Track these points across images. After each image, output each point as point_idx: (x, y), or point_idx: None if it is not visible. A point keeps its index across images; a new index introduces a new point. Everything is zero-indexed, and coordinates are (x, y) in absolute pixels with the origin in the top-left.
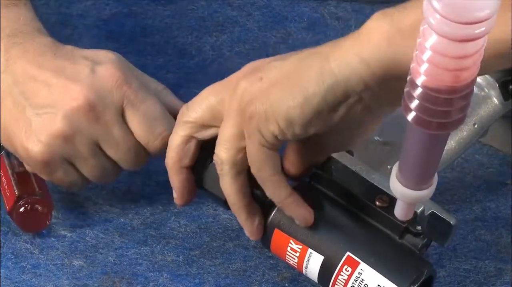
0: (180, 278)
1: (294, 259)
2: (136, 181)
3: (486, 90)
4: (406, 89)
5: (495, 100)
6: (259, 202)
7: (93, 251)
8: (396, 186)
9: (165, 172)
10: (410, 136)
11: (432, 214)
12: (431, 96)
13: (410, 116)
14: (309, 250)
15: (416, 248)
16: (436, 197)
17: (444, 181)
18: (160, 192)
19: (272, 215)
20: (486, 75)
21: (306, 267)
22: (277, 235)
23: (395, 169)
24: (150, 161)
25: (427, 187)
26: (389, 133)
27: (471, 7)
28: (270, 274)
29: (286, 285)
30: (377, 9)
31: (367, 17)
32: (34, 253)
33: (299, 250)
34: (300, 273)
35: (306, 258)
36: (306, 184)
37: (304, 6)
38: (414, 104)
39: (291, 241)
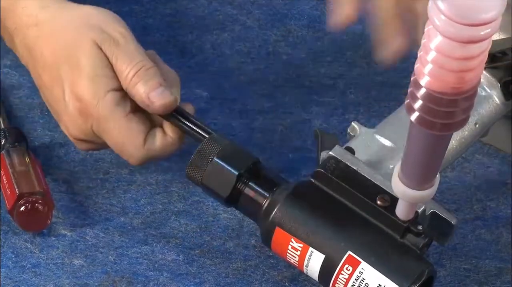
0: (180, 278)
1: (295, 257)
2: (136, 181)
3: (488, 90)
4: (410, 89)
5: (497, 100)
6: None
7: (93, 250)
8: (397, 186)
9: (165, 171)
10: (413, 136)
11: (433, 213)
12: (435, 97)
13: (414, 116)
14: (310, 249)
15: (417, 248)
16: (436, 197)
17: (445, 180)
18: (160, 191)
19: (273, 213)
20: (487, 75)
21: (306, 266)
22: (278, 234)
23: (397, 168)
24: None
25: (429, 187)
26: (391, 132)
27: (477, 9)
28: (270, 273)
29: (287, 284)
30: None
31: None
32: (34, 252)
33: (300, 249)
34: (301, 272)
35: (307, 257)
36: (307, 183)
37: (304, 4)
38: (418, 104)
39: (292, 239)
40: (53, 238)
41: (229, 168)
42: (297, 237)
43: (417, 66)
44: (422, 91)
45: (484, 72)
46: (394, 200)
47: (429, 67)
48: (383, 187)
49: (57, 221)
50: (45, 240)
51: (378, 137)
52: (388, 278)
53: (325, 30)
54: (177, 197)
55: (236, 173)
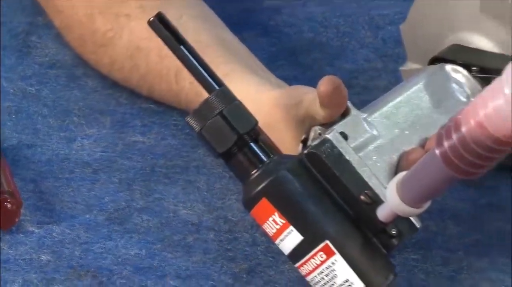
0: (143, 271)
1: (272, 229)
2: (100, 179)
3: (471, 94)
4: (449, 124)
5: None
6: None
7: (59, 246)
8: (393, 197)
9: (127, 170)
10: (430, 165)
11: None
12: (470, 146)
13: (439, 151)
14: (291, 227)
15: (387, 250)
16: None
17: None
18: (123, 189)
19: (264, 183)
20: (475, 82)
21: (281, 240)
22: (263, 204)
23: (396, 180)
24: (113, 159)
25: (421, 207)
26: (379, 121)
27: None
28: (229, 266)
29: (244, 275)
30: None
31: (319, 24)
32: (3, 249)
33: (280, 224)
34: (257, 264)
35: (284, 233)
36: (300, 161)
37: (260, 13)
38: (450, 144)
39: (276, 213)
40: (21, 235)
41: (230, 127)
42: (281, 213)
43: (467, 108)
44: (460, 135)
45: (472, 79)
46: (376, 199)
47: (486, 112)
48: (370, 184)
49: (25, 219)
50: (13, 237)
51: (366, 124)
52: (357, 275)
53: (279, 37)
54: (139, 195)
55: (237, 134)
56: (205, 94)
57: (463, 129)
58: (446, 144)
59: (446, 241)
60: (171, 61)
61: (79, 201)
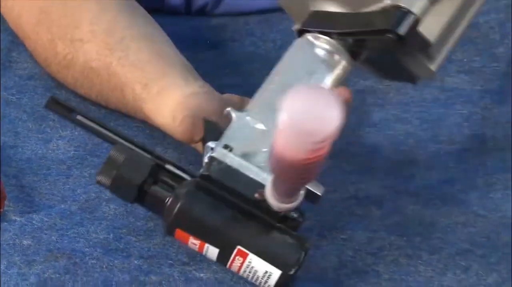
0: (111, 252)
1: (195, 247)
2: (73, 174)
3: (337, 56)
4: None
5: (345, 63)
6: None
7: (39, 232)
8: (271, 198)
9: (96, 166)
10: (278, 173)
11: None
12: (284, 165)
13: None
14: (206, 244)
15: (295, 229)
16: (318, 179)
17: (327, 167)
18: (93, 183)
19: (172, 217)
20: (334, 43)
21: (205, 254)
22: (179, 233)
23: (269, 183)
24: (84, 157)
25: (295, 200)
26: (261, 113)
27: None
28: (184, 247)
29: (198, 255)
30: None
31: (258, 39)
32: None
33: (198, 244)
34: None
35: (204, 250)
36: (196, 186)
37: (208, 30)
38: (272, 160)
39: (191, 238)
40: (6, 223)
41: (130, 180)
42: (194, 236)
43: (274, 139)
44: (274, 156)
45: (332, 41)
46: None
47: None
48: (260, 181)
49: (8, 209)
50: None
51: (250, 120)
52: (273, 265)
53: (224, 50)
54: None
55: (137, 184)
56: (146, 107)
57: (275, 152)
58: (271, 160)
59: (370, 224)
60: (117, 81)
61: (55, 193)
